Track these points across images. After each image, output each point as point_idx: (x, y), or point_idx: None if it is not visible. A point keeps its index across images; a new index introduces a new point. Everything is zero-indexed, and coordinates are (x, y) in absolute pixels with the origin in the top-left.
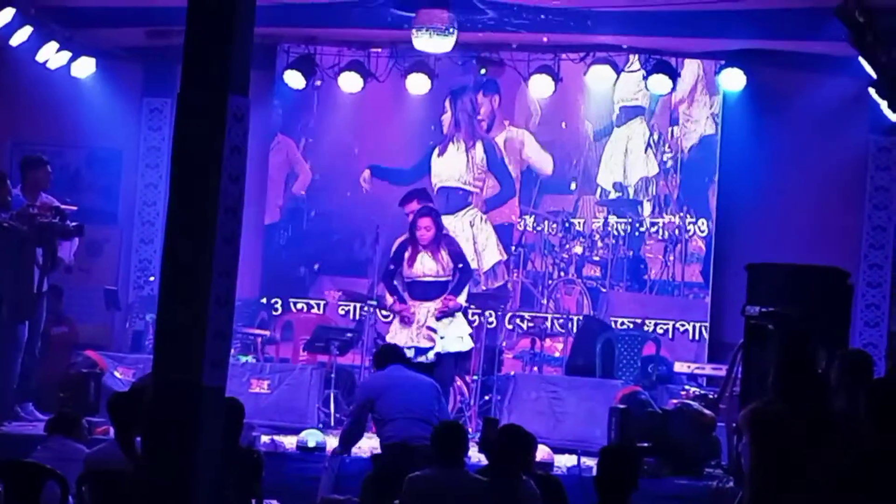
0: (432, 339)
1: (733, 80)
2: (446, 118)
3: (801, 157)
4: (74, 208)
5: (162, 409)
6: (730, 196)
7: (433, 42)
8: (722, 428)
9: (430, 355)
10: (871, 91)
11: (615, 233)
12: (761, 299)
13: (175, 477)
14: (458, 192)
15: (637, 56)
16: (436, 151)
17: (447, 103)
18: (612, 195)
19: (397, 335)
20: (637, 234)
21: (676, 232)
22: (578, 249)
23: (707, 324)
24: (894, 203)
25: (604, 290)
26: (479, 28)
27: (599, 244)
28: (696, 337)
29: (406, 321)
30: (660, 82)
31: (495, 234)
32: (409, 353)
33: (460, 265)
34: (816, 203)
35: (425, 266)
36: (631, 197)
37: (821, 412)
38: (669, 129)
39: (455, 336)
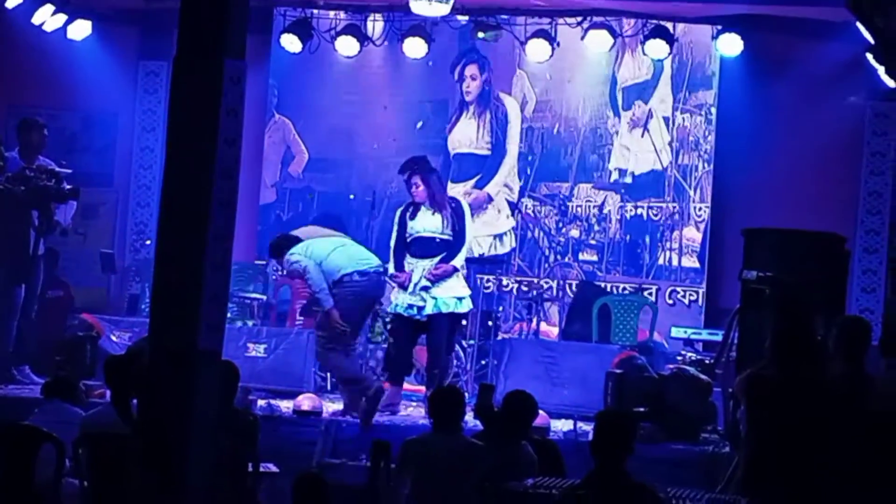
0: (424, 300)
1: (730, 45)
2: (471, 85)
3: (798, 123)
4: (69, 171)
5: (158, 372)
6: (727, 161)
7: (430, 6)
8: (718, 393)
9: (424, 313)
10: (869, 56)
11: (612, 216)
12: (758, 264)
13: (170, 440)
14: (470, 158)
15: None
16: (452, 120)
17: (466, 70)
18: (614, 178)
19: (398, 297)
20: (633, 217)
21: (675, 217)
22: (575, 233)
23: (703, 289)
24: (891, 169)
25: (600, 273)
26: None
27: (596, 228)
28: (693, 302)
29: (403, 286)
30: (657, 47)
31: (506, 203)
32: (411, 312)
33: (457, 229)
34: (813, 169)
35: (427, 221)
36: (628, 181)
37: (816, 377)
38: (668, 109)
39: (449, 296)
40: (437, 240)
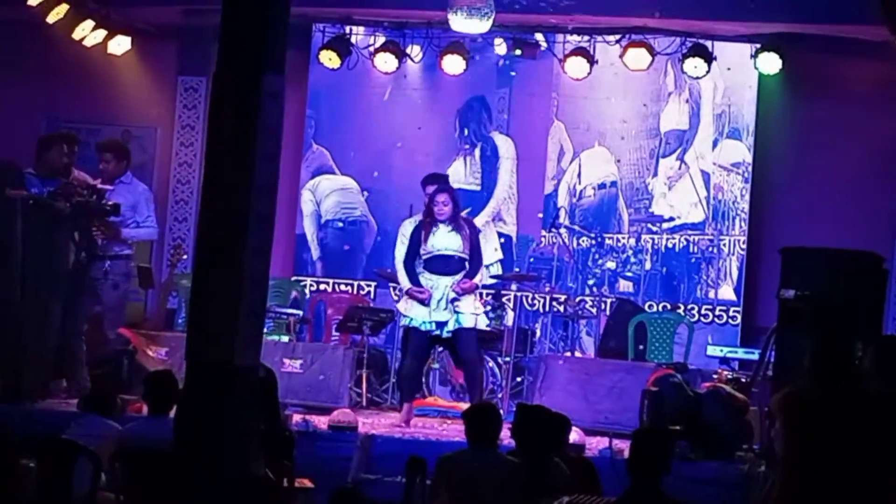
0: (448, 317)
1: (769, 63)
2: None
3: (837, 141)
4: (111, 188)
5: (195, 387)
6: (765, 179)
7: (470, 23)
8: (754, 411)
9: (447, 330)
10: None
11: (648, 249)
12: (795, 283)
13: (207, 455)
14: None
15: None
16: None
17: (456, 122)
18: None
19: (414, 311)
20: (670, 249)
21: (711, 249)
22: (611, 265)
23: (740, 308)
24: None
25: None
26: (516, 9)
27: (632, 259)
28: (729, 321)
29: (423, 302)
30: (695, 65)
31: (496, 235)
32: (429, 327)
33: (474, 249)
34: (851, 187)
35: (447, 240)
36: (667, 215)
37: (853, 396)
38: (707, 164)
39: (469, 313)
40: (457, 258)
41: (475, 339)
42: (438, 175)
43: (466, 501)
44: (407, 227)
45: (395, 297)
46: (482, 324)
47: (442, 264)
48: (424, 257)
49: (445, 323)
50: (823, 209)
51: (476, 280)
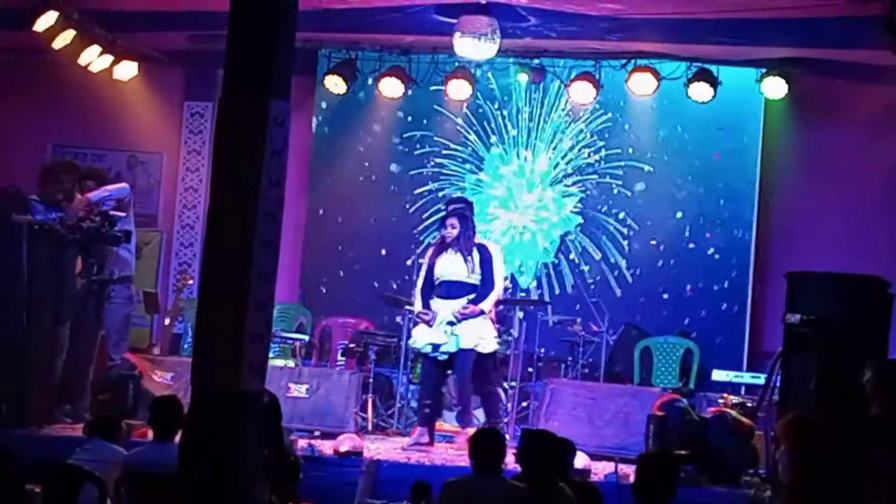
0: (447, 338)
1: (774, 88)
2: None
3: (842, 166)
4: (122, 214)
5: (200, 412)
6: (770, 203)
7: (475, 48)
8: (760, 436)
9: (443, 351)
10: None
11: (651, 273)
12: (801, 307)
13: (213, 481)
14: None
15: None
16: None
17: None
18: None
19: (421, 335)
20: (673, 274)
21: (717, 256)
22: (616, 289)
23: (746, 332)
24: None
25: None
26: (521, 34)
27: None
28: (735, 345)
29: (428, 324)
30: (700, 90)
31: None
32: (427, 350)
33: (484, 274)
34: (857, 211)
35: (452, 266)
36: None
37: (859, 421)
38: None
39: (473, 335)
40: (462, 283)
41: (470, 360)
42: (456, 198)
43: None
44: (427, 254)
45: (400, 322)
46: (490, 348)
47: (446, 290)
48: (435, 283)
49: (441, 345)
50: (829, 233)
51: (483, 306)
